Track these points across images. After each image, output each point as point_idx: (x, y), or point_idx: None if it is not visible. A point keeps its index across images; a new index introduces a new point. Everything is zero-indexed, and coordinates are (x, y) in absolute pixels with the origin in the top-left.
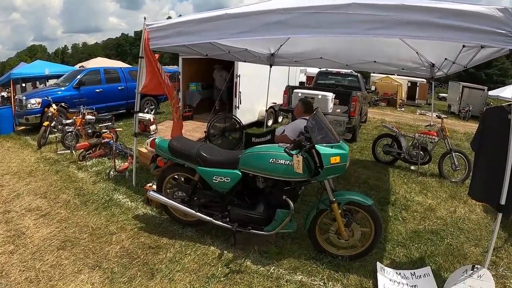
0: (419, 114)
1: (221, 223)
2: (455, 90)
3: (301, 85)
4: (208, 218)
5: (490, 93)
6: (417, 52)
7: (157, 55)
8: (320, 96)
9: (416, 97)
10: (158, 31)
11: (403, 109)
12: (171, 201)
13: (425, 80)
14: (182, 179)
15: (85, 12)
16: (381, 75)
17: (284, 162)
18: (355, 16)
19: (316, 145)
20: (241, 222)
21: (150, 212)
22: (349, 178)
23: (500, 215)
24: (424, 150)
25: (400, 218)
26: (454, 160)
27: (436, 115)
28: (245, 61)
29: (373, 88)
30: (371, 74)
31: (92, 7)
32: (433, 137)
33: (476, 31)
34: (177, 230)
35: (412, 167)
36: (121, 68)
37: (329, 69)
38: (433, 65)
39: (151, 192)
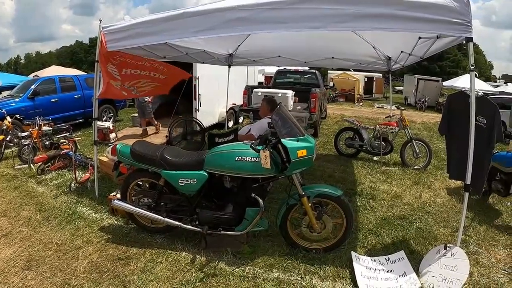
0: (377, 107)
1: (190, 227)
2: (410, 83)
3: (260, 85)
4: (176, 223)
5: (445, 83)
6: (373, 47)
7: None
8: (280, 94)
9: (373, 92)
10: (115, 33)
11: (361, 103)
12: (137, 208)
13: (381, 75)
14: (147, 185)
15: (38, 20)
16: (338, 72)
17: (251, 159)
18: (317, 11)
19: (282, 140)
20: (211, 224)
21: (116, 222)
22: (314, 173)
23: (466, 195)
24: (385, 141)
25: (368, 207)
26: (415, 148)
27: (396, 106)
28: (203, 63)
29: (331, 84)
30: (329, 71)
31: (45, 15)
32: (393, 127)
33: (434, 21)
34: (146, 239)
35: (375, 158)
36: (76, 76)
37: (287, 68)
38: (389, 58)
39: (116, 201)
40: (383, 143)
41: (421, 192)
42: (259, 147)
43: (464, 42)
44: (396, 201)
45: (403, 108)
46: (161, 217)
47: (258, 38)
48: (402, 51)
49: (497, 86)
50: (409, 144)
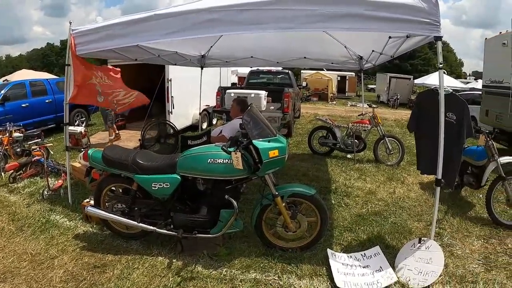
0: (350, 105)
1: (165, 231)
2: (383, 81)
3: (233, 86)
4: (151, 227)
5: (416, 81)
6: (345, 46)
7: None
8: (253, 95)
9: (346, 90)
10: (85, 35)
11: (334, 102)
12: (111, 214)
13: (353, 74)
14: (120, 190)
15: (7, 21)
16: (311, 71)
17: (223, 161)
18: (287, 12)
19: (253, 141)
20: (186, 228)
21: (90, 229)
22: (288, 172)
23: (438, 189)
24: (358, 138)
25: (343, 205)
26: (388, 145)
27: (368, 104)
28: (175, 65)
29: (304, 84)
30: (302, 71)
31: (15, 16)
32: (366, 125)
33: (403, 21)
34: (122, 245)
35: (349, 156)
36: (47, 79)
37: (260, 68)
38: (361, 57)
39: (89, 208)
40: (356, 141)
41: (395, 187)
42: (231, 149)
43: (434, 41)
44: (370, 197)
45: (375, 106)
46: (135, 223)
47: (231, 39)
48: (373, 51)
49: (468, 82)
50: (381, 141)
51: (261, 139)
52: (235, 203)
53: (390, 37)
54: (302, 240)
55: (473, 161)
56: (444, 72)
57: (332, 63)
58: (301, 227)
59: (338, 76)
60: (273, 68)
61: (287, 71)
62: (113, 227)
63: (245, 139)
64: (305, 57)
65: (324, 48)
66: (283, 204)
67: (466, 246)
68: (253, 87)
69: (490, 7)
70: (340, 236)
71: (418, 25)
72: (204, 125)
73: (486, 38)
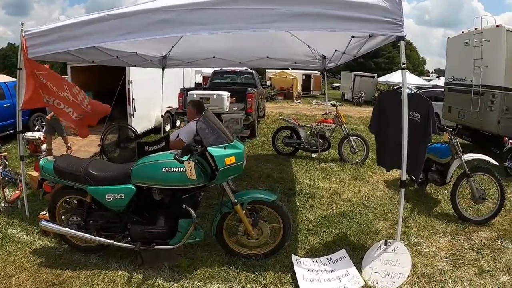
0: (316, 104)
1: (123, 244)
2: (347, 79)
3: (198, 86)
4: (108, 241)
5: (380, 79)
6: (308, 46)
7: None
8: (215, 96)
9: (311, 89)
10: (38, 37)
11: (299, 101)
12: (65, 229)
13: (318, 72)
14: (75, 202)
15: None
16: (276, 70)
17: (178, 170)
18: (242, 11)
19: (208, 148)
20: (144, 240)
21: (48, 243)
22: (252, 174)
23: (403, 191)
24: (322, 138)
25: (308, 207)
26: (352, 144)
27: (331, 104)
28: (135, 66)
29: (268, 83)
30: (267, 70)
31: None
32: (330, 124)
33: (366, 20)
34: (80, 259)
35: (313, 155)
36: (5, 82)
37: (223, 68)
38: (324, 57)
39: (43, 222)
40: (320, 140)
41: (360, 186)
42: (184, 158)
43: (396, 40)
44: (335, 198)
45: (340, 104)
46: (91, 236)
47: (193, 39)
48: (336, 50)
49: (430, 80)
50: (346, 140)
51: (216, 146)
52: (193, 212)
53: (352, 37)
54: (265, 246)
55: (437, 159)
56: (407, 71)
57: (296, 63)
58: (263, 234)
59: (303, 75)
60: (237, 68)
61: (251, 70)
62: (71, 241)
63: (200, 147)
64: (268, 57)
65: (287, 48)
66: (243, 211)
67: (433, 244)
68: (217, 88)
69: (452, 7)
70: (305, 240)
71: (380, 25)
72: (168, 128)
73: (448, 37)
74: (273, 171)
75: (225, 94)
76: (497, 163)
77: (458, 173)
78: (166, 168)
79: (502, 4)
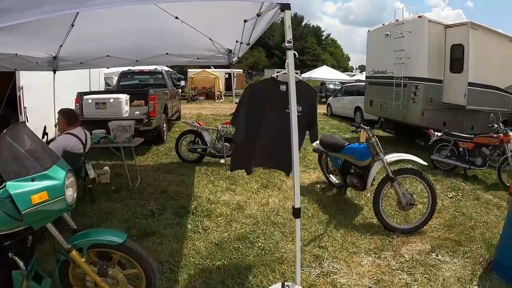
0: (236, 103)
1: None
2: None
3: (95, 91)
4: None
5: (303, 75)
6: (210, 39)
7: None
8: (112, 100)
9: (234, 87)
10: None
11: (221, 100)
12: None
13: (241, 71)
14: None
15: None
16: (197, 70)
17: None
18: None
19: (7, 183)
20: None
21: None
22: (145, 190)
23: (298, 222)
24: (229, 141)
25: (200, 230)
26: None
27: (236, 103)
28: (15, 70)
29: (182, 83)
30: (188, 70)
31: None
32: None
33: None
34: None
35: (222, 161)
36: None
37: (131, 68)
38: (230, 51)
39: None
40: (227, 144)
41: (269, 197)
42: None
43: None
44: (237, 214)
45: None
46: None
47: (84, 36)
48: (237, 41)
49: (354, 75)
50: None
51: (20, 178)
52: (20, 263)
53: (245, 21)
54: None
55: (355, 161)
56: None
57: (198, 59)
58: (119, 284)
59: (225, 73)
60: (146, 68)
61: (160, 70)
62: None
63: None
64: (167, 53)
65: (187, 42)
66: (82, 259)
67: (353, 269)
68: (124, 90)
69: (376, 7)
70: (187, 281)
71: None
72: None
73: (369, 30)
74: (170, 184)
75: (123, 97)
76: (425, 163)
77: (381, 176)
78: None
79: (423, 5)
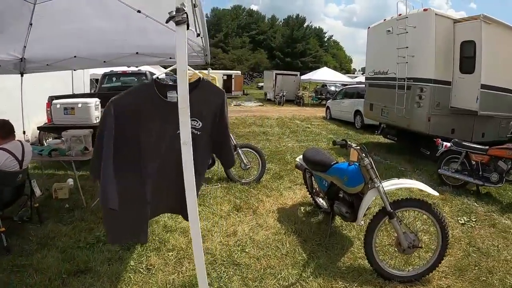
0: (234, 105)
1: None
2: (269, 78)
3: (67, 94)
4: None
5: (303, 77)
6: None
7: None
8: (80, 105)
9: (232, 89)
10: None
11: None
12: None
13: (239, 72)
14: None
15: None
16: (193, 71)
17: None
18: None
19: None
20: None
21: None
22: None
23: None
24: None
25: (143, 269)
26: (242, 158)
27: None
28: None
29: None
30: None
31: None
32: None
33: None
34: None
35: None
36: None
37: (114, 70)
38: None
39: None
40: None
41: (239, 223)
42: None
43: None
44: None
45: (260, 104)
46: None
47: (47, 35)
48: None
49: (355, 77)
50: (235, 153)
51: None
52: None
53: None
54: None
55: (343, 186)
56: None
57: (171, 58)
58: None
59: (223, 75)
60: (129, 69)
61: (144, 71)
62: None
63: None
64: (137, 53)
65: (159, 40)
66: None
67: None
68: (105, 93)
69: (379, 9)
70: None
71: None
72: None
73: (369, 27)
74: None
75: (92, 102)
76: (436, 193)
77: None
78: None
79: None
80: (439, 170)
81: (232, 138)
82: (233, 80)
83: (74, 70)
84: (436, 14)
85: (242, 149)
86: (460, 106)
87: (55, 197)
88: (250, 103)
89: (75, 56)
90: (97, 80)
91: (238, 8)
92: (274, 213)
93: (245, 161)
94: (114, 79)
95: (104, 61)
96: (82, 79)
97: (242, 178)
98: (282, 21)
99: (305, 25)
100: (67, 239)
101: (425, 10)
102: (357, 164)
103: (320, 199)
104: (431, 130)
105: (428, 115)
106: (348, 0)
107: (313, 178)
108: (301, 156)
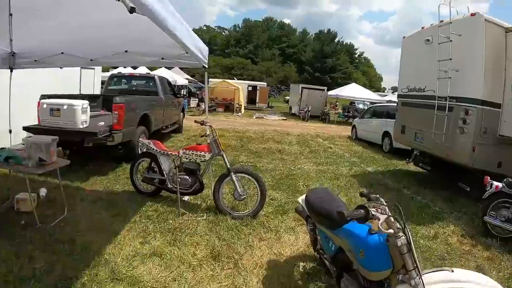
0: (256, 117)
1: None
2: (295, 92)
3: (58, 94)
4: None
5: (330, 93)
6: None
7: None
8: (65, 107)
9: (257, 101)
10: None
11: (239, 114)
12: None
13: (265, 84)
14: None
15: None
16: (217, 80)
17: None
18: None
19: None
20: None
21: None
22: (52, 233)
23: None
24: (191, 174)
25: None
26: (237, 186)
27: (201, 121)
28: None
29: (184, 92)
30: (210, 79)
31: None
32: (203, 153)
33: None
34: None
35: (185, 198)
36: None
37: (122, 72)
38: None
39: None
40: (187, 177)
41: (210, 280)
42: None
43: None
44: None
45: (284, 118)
46: None
47: (35, 29)
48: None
49: (385, 95)
50: (227, 179)
51: None
52: None
53: None
54: None
55: (357, 264)
56: None
57: (163, 59)
58: None
59: (248, 86)
60: (137, 72)
61: (152, 75)
62: None
63: None
64: (126, 51)
65: (149, 40)
66: None
67: None
68: (113, 96)
69: (412, 26)
70: None
71: None
72: None
73: (404, 37)
74: (90, 227)
75: (79, 104)
76: None
77: None
78: None
79: None
80: (484, 217)
81: (226, 159)
82: (258, 91)
83: (60, 68)
84: (485, 20)
85: (237, 174)
86: (511, 134)
87: (17, 209)
88: (273, 117)
89: (62, 53)
90: None
91: (269, 20)
92: (261, 269)
93: (239, 190)
94: (122, 81)
95: (91, 60)
96: (92, 79)
97: (236, 210)
98: (313, 35)
99: (336, 40)
100: (2, 268)
101: (472, 15)
102: (385, 236)
103: (326, 261)
104: (475, 162)
105: (473, 144)
106: (381, 18)
107: (317, 231)
108: (303, 197)
